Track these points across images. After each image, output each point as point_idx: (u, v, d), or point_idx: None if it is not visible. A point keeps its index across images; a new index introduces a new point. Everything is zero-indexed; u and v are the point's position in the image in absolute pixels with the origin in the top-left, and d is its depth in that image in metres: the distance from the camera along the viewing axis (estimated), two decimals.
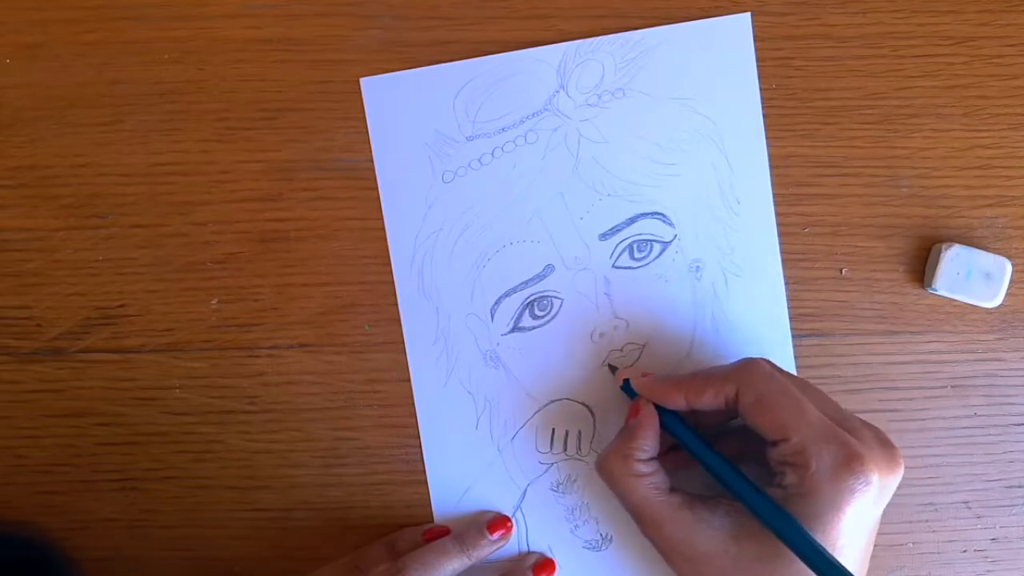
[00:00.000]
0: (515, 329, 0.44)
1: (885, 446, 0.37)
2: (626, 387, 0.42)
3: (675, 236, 0.44)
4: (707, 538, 0.38)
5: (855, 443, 0.36)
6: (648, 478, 0.39)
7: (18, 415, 0.45)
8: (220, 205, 0.45)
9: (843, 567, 0.34)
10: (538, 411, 0.44)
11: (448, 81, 0.44)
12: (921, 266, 0.44)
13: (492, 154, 0.44)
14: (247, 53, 0.45)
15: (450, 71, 0.44)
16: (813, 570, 0.34)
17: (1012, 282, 0.43)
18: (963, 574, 0.44)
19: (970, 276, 0.43)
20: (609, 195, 0.44)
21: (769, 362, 0.39)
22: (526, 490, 0.44)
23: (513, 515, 0.44)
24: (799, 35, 0.44)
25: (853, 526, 0.35)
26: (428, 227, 0.44)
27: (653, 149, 0.44)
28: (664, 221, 0.44)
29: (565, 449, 0.44)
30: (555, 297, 0.44)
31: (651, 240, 0.44)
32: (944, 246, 0.43)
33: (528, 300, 0.44)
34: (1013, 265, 0.43)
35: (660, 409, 0.40)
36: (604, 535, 0.44)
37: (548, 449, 0.44)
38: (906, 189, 0.44)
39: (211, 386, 0.45)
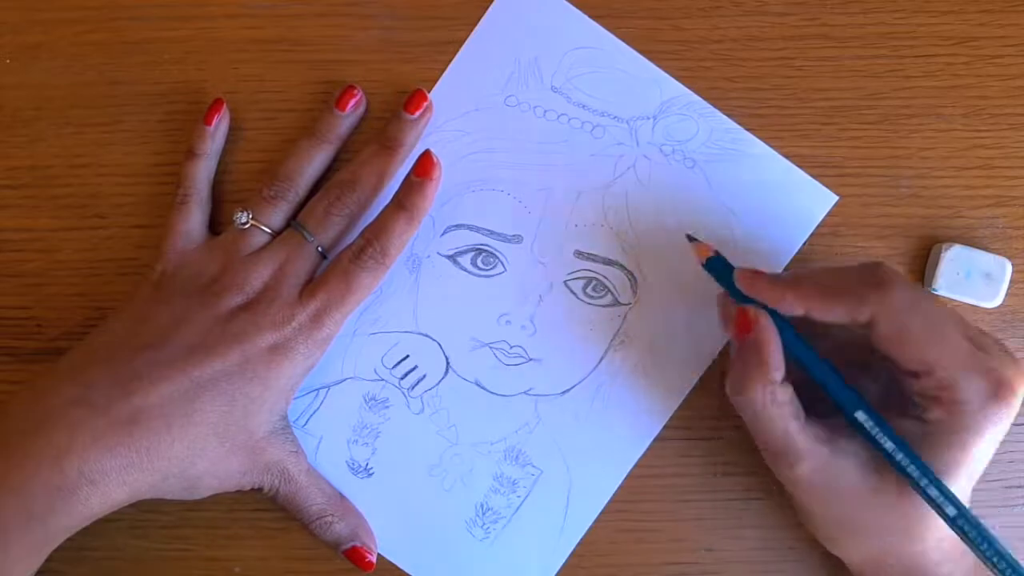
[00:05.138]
0: (451, 258, 0.44)
1: (1018, 364, 0.35)
2: (724, 280, 0.36)
3: (630, 306, 0.44)
4: (846, 471, 0.35)
5: (1000, 370, 0.34)
6: (788, 407, 0.35)
7: None
8: (220, 205, 0.45)
9: (974, 519, 0.34)
10: (409, 332, 0.44)
11: (579, 33, 0.44)
12: (921, 266, 0.44)
13: (557, 115, 0.44)
14: (247, 53, 0.45)
15: (588, 27, 0.44)
16: (954, 530, 0.34)
17: (1012, 282, 0.43)
18: None
19: (970, 276, 0.43)
20: (611, 229, 0.44)
21: (905, 280, 0.36)
22: (344, 383, 0.44)
23: (318, 399, 0.43)
24: (799, 35, 0.44)
25: (990, 446, 0.35)
26: (454, 126, 0.44)
27: (673, 228, 0.43)
28: (632, 287, 0.44)
29: (403, 378, 0.44)
30: (503, 263, 0.44)
31: (611, 292, 0.44)
32: (944, 246, 0.43)
33: (482, 247, 0.44)
34: (1013, 265, 0.43)
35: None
36: (367, 466, 0.44)
37: (391, 367, 0.44)
38: (906, 189, 0.44)
39: None
